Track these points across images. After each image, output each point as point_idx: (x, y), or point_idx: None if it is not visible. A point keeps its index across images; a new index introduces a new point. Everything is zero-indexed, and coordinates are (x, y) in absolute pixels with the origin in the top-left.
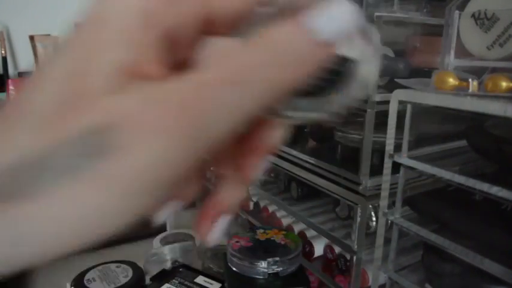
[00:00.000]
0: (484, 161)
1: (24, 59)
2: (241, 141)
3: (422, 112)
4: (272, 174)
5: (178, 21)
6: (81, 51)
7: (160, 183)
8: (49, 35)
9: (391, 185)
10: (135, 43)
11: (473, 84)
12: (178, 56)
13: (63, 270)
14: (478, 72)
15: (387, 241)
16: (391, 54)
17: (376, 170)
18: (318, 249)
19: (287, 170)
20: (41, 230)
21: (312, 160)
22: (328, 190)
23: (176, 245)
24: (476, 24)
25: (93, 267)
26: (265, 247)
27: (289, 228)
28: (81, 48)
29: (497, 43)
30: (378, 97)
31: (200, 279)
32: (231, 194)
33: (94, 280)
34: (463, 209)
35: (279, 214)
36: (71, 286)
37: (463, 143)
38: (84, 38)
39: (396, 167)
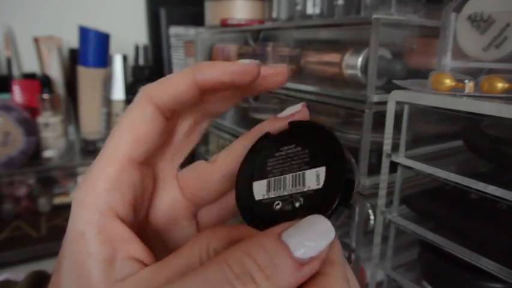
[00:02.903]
0: (480, 161)
1: (28, 60)
2: None
3: (420, 112)
4: None
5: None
6: (76, 262)
7: None
8: (53, 36)
9: (388, 184)
10: (108, 241)
11: (469, 85)
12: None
13: None
14: (474, 74)
15: (385, 239)
16: (389, 55)
17: (374, 170)
18: None
19: None
20: None
21: None
22: None
23: None
24: (473, 26)
25: None
26: None
27: None
28: (74, 260)
29: (493, 45)
30: (375, 98)
31: None
32: None
33: None
34: (460, 207)
35: None
36: None
37: (459, 143)
38: (73, 251)
39: (394, 166)
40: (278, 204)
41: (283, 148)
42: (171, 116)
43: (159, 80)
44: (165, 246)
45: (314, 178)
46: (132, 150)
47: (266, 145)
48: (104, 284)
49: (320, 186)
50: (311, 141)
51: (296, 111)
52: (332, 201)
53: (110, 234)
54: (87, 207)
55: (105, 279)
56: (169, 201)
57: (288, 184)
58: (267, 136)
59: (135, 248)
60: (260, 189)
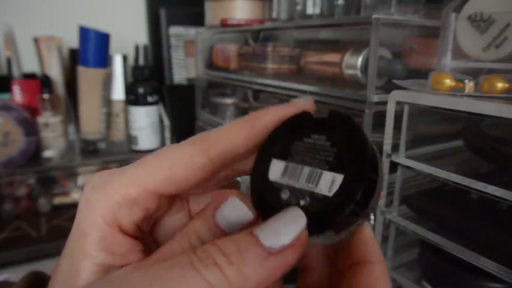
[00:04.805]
0: (480, 161)
1: (28, 60)
2: None
3: (420, 112)
4: None
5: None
6: (71, 259)
7: None
8: (53, 36)
9: (388, 184)
10: (109, 248)
11: (469, 85)
12: (151, 222)
13: None
14: (474, 74)
15: (385, 239)
16: (389, 55)
17: None
18: None
19: None
20: None
21: None
22: None
23: None
24: (473, 26)
25: None
26: None
27: None
28: (70, 256)
29: (493, 45)
30: (375, 98)
31: None
32: None
33: None
34: (460, 207)
35: None
36: None
37: (459, 143)
38: (72, 248)
39: (394, 166)
40: (286, 193)
41: (313, 136)
42: (221, 167)
43: (217, 130)
44: None
45: (328, 183)
46: (161, 186)
47: (299, 126)
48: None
49: (330, 195)
50: (342, 141)
51: (307, 101)
52: (333, 218)
53: (111, 243)
54: (95, 211)
55: (93, 280)
56: (175, 223)
57: (302, 177)
58: (304, 116)
59: (137, 257)
60: (277, 170)
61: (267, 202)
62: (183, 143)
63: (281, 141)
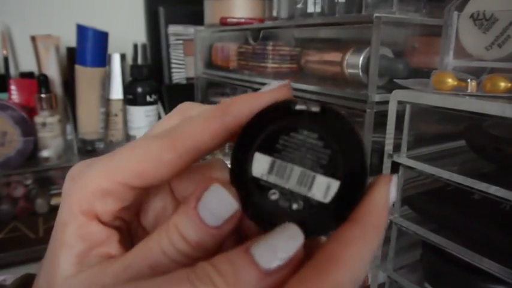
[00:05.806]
0: (483, 161)
1: (25, 59)
2: None
3: (421, 112)
4: None
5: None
6: (52, 249)
7: None
8: (50, 35)
9: None
10: (85, 237)
11: (471, 85)
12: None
13: None
14: (477, 73)
15: (386, 240)
16: (390, 54)
17: (376, 170)
18: None
19: None
20: None
21: None
22: None
23: None
24: (475, 24)
25: None
26: None
27: None
28: (52, 246)
29: (495, 44)
30: (377, 97)
31: None
32: None
33: None
34: (462, 208)
35: None
36: None
37: (461, 143)
38: (53, 240)
39: (395, 166)
40: (275, 194)
41: (302, 131)
42: (191, 161)
43: (186, 123)
44: None
45: (323, 188)
46: (131, 179)
47: (287, 116)
48: (65, 278)
49: (326, 201)
50: (338, 144)
51: (281, 84)
52: (330, 226)
53: (88, 232)
54: (73, 201)
55: (70, 273)
56: (158, 211)
57: (293, 177)
58: (292, 104)
59: (112, 247)
60: (261, 166)
61: (254, 202)
62: (153, 137)
63: (265, 132)
